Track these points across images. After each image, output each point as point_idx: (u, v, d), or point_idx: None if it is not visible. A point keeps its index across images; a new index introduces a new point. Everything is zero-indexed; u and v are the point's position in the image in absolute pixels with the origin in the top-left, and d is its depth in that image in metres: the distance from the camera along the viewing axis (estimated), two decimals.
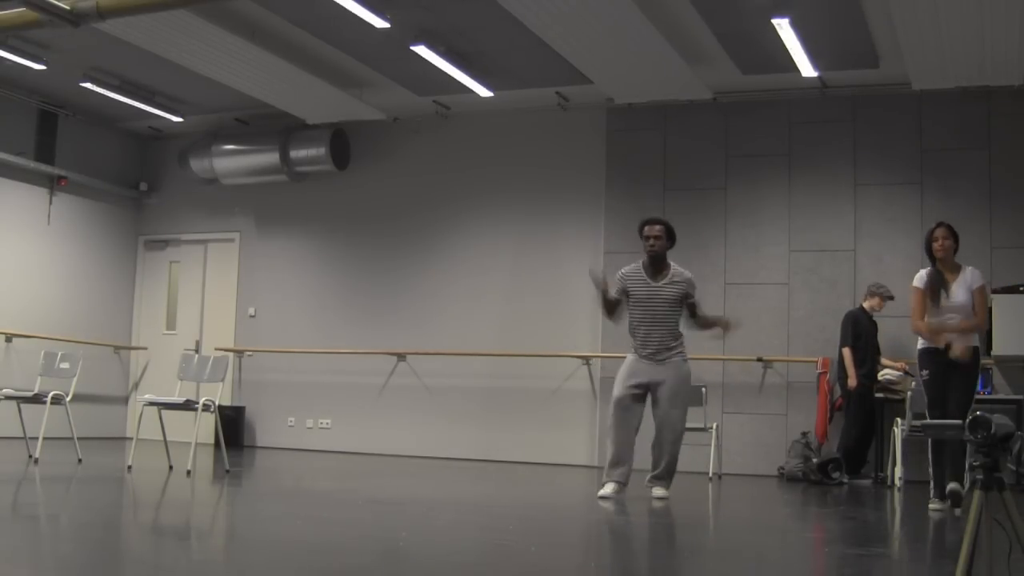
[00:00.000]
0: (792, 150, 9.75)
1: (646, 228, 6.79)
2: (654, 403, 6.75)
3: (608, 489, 6.62)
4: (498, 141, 10.75)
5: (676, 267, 6.84)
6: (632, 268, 6.86)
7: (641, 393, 6.74)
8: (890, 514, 6.92)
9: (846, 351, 8.69)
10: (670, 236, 6.82)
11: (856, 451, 8.68)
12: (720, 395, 9.61)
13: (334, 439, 10.97)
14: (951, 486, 6.22)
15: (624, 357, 6.95)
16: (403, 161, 11.09)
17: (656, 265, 6.78)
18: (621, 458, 6.67)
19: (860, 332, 8.72)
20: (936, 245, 6.39)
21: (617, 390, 6.75)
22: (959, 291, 6.34)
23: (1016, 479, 8.03)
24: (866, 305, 8.83)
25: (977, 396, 6.62)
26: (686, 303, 6.79)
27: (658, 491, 6.73)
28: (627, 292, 6.78)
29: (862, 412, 8.68)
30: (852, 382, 8.59)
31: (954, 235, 6.42)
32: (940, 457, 6.34)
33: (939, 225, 6.47)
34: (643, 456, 6.89)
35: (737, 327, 7.21)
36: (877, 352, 8.81)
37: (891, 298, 8.76)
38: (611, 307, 6.81)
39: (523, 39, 8.27)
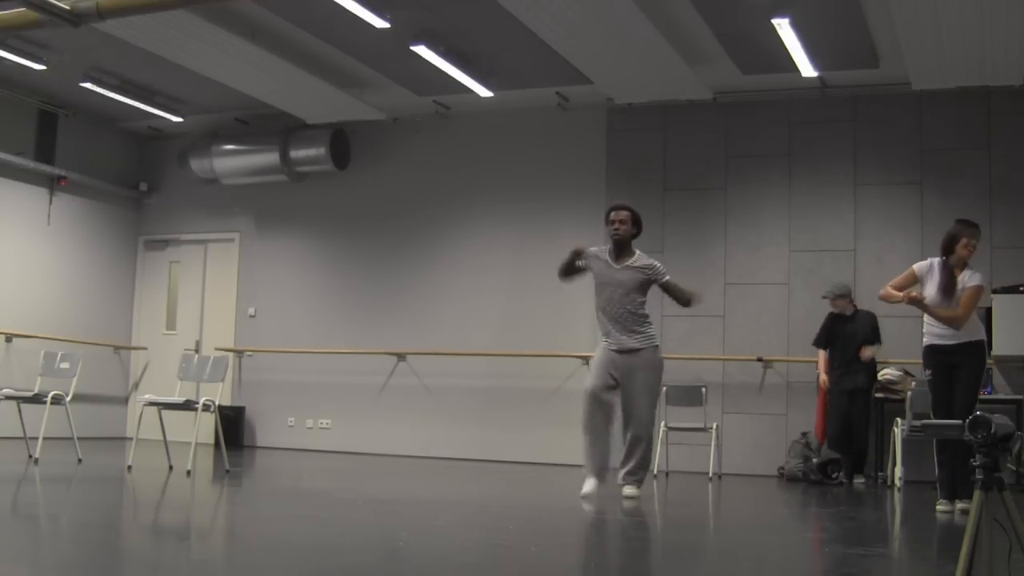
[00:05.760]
0: (792, 150, 9.76)
1: (612, 213, 6.76)
2: (623, 393, 6.66)
3: (588, 488, 6.56)
4: (498, 141, 10.75)
5: (641, 255, 6.78)
6: (599, 249, 6.86)
7: (614, 384, 6.67)
8: (890, 514, 6.92)
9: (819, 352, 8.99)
10: (636, 223, 6.77)
11: (839, 452, 8.65)
12: (720, 395, 9.61)
13: (334, 439, 10.97)
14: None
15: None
16: (403, 161, 11.09)
17: (619, 250, 6.75)
18: (598, 452, 6.63)
19: (832, 335, 8.83)
20: (964, 245, 6.26)
21: (589, 381, 6.68)
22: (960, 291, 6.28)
23: (1016, 479, 8.03)
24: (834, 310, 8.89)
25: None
26: (659, 285, 6.71)
27: (629, 490, 6.61)
28: (592, 271, 6.79)
29: (835, 413, 8.72)
30: (821, 379, 8.89)
31: (979, 237, 6.36)
32: (945, 457, 6.30)
33: (972, 225, 6.35)
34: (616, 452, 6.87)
35: (700, 300, 7.02)
36: (855, 352, 8.76)
37: (842, 296, 8.77)
38: (568, 268, 6.81)
39: (523, 39, 8.27)
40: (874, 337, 8.74)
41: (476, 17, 8.18)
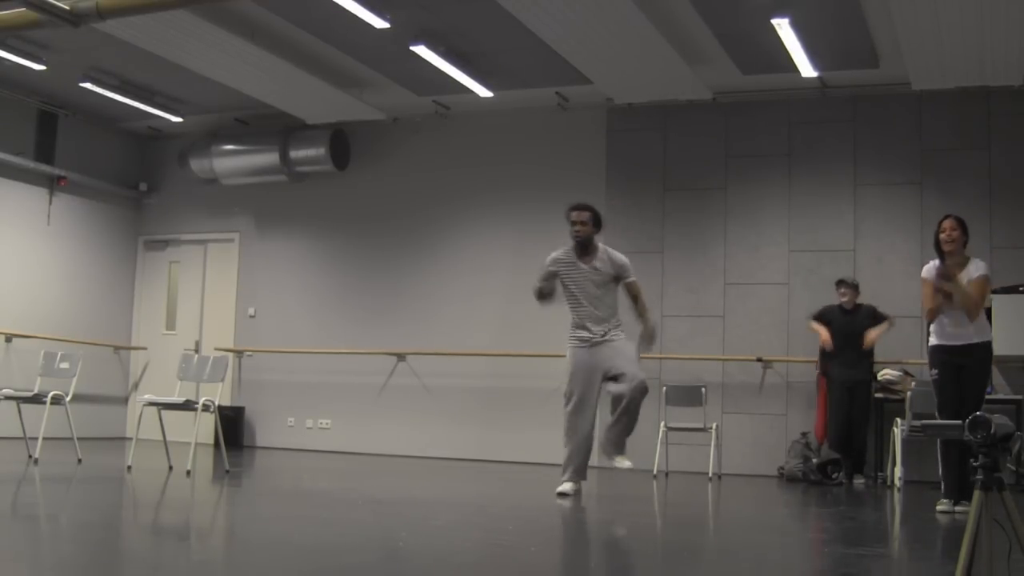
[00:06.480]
0: (792, 150, 9.76)
1: (573, 214, 6.86)
2: (614, 377, 6.69)
3: (567, 487, 6.66)
4: (498, 141, 10.75)
5: (605, 250, 6.87)
6: (562, 252, 6.94)
7: (598, 390, 6.77)
8: (890, 514, 6.92)
9: None
10: (596, 222, 6.88)
11: (841, 452, 8.64)
12: (720, 395, 9.61)
13: (334, 439, 10.97)
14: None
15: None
16: (403, 161, 11.09)
17: (583, 249, 6.85)
18: (579, 457, 6.74)
19: (831, 327, 8.80)
20: (943, 236, 6.22)
21: (574, 395, 6.72)
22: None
23: (1016, 479, 8.03)
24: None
25: None
26: (623, 283, 6.84)
27: (624, 463, 6.74)
28: (558, 276, 6.87)
29: (837, 411, 8.72)
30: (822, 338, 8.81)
31: (963, 227, 6.25)
32: (949, 456, 6.25)
33: (947, 217, 6.34)
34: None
35: (654, 340, 6.95)
36: (854, 346, 8.74)
37: (853, 286, 8.78)
38: (545, 291, 6.88)
39: (523, 39, 8.27)
40: (879, 319, 8.73)
41: (476, 17, 8.18)
